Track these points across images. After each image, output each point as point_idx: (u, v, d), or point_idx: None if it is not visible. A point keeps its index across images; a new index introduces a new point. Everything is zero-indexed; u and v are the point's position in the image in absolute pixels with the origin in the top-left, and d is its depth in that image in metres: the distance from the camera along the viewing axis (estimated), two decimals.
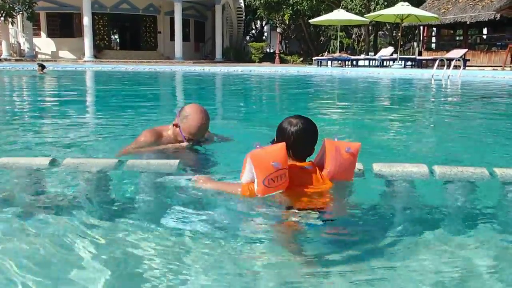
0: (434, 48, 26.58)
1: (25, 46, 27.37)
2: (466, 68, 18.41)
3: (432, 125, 5.46)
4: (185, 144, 2.68)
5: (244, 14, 32.21)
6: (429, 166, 2.11)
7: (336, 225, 1.94)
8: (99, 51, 27.09)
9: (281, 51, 31.95)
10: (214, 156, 2.85)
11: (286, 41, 37.21)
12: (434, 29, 26.96)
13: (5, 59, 24.60)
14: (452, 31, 27.38)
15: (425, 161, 2.28)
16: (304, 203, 1.88)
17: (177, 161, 2.17)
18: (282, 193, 1.89)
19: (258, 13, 30.99)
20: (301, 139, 1.89)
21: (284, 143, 1.86)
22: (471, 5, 22.91)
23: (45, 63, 15.30)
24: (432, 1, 25.61)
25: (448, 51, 21.20)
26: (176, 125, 2.66)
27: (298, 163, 1.92)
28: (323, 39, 32.94)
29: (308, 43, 32.71)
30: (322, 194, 1.93)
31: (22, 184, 2.06)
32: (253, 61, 29.63)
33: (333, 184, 1.98)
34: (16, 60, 24.62)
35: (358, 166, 2.13)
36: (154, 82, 14.10)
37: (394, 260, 1.66)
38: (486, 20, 21.67)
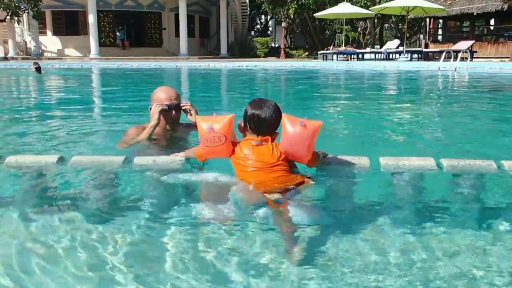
0: (440, 40, 26.38)
1: (31, 45, 27.50)
2: (473, 59, 18.26)
3: (439, 118, 5.43)
4: (154, 122, 2.71)
5: (248, 9, 32.11)
6: (436, 159, 2.10)
7: (341, 220, 1.94)
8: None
9: (286, 46, 31.83)
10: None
11: (291, 36, 37.07)
12: (441, 21, 26.74)
13: (12, 58, 24.74)
14: (458, 23, 27.14)
15: (432, 153, 2.26)
16: (243, 174, 2.06)
17: (183, 158, 2.18)
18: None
19: (262, 8, 30.89)
20: (254, 115, 2.09)
21: (232, 115, 2.12)
22: None
23: (52, 61, 15.10)
24: None
25: (454, 43, 21.04)
26: (150, 108, 2.81)
27: (250, 138, 2.11)
28: (328, 32, 32.78)
29: (313, 37, 32.56)
30: (265, 169, 2.04)
31: (31, 182, 2.07)
32: (258, 56, 29.57)
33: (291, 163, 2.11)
34: (23, 58, 24.74)
35: (363, 160, 2.12)
36: (159, 79, 14.12)
37: (402, 254, 1.65)
38: (493, 11, 21.46)
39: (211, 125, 2.08)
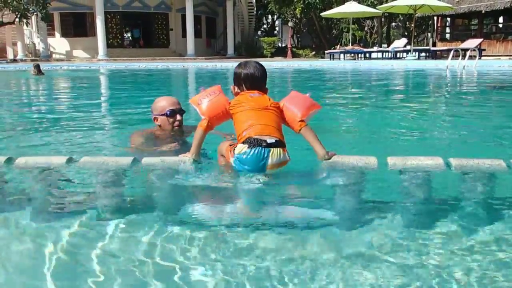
0: (448, 38, 26.19)
1: (40, 46, 27.73)
2: (482, 58, 18.11)
3: (448, 117, 5.39)
4: (174, 145, 2.83)
5: (255, 9, 32.15)
6: (445, 158, 2.09)
7: (348, 219, 1.94)
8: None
9: (293, 45, 31.80)
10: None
11: (298, 35, 37.01)
12: (448, 19, 26.55)
13: (21, 60, 24.96)
14: (466, 21, 26.93)
15: (441, 152, 2.25)
16: (240, 116, 2.24)
17: (190, 158, 2.19)
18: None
19: (269, 8, 30.90)
20: (248, 75, 2.31)
21: (218, 86, 2.38)
22: None
23: (60, 63, 14.90)
24: None
25: (463, 41, 20.88)
26: (155, 118, 3.02)
27: (249, 91, 2.32)
28: (335, 32, 32.69)
29: (320, 37, 32.48)
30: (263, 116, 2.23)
31: (41, 182, 2.09)
32: (265, 56, 29.56)
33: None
34: (32, 60, 24.95)
35: (371, 160, 2.12)
36: (167, 79, 14.17)
37: (410, 255, 1.65)
38: (502, 8, 21.27)
39: (201, 89, 2.39)
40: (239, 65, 2.37)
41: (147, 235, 1.78)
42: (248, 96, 2.28)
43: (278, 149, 2.12)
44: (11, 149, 3.43)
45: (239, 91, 2.35)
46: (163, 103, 3.00)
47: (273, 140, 2.11)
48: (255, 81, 2.32)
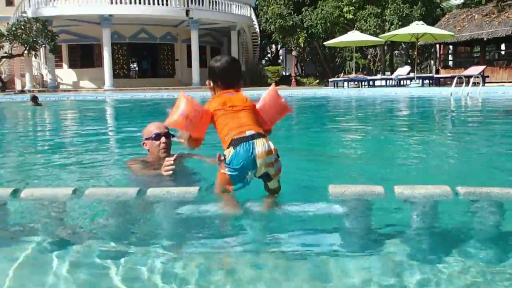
0: (451, 65, 26.40)
1: (47, 77, 28.18)
2: (486, 84, 18.19)
3: (453, 144, 5.38)
4: (170, 163, 2.84)
5: (259, 38, 32.67)
6: (452, 186, 2.07)
7: (355, 249, 1.91)
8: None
9: (297, 74, 32.15)
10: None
11: (302, 64, 37.46)
12: (451, 46, 26.84)
13: (29, 91, 25.32)
14: (469, 48, 27.20)
15: (447, 181, 2.23)
16: (221, 120, 2.29)
17: (197, 188, 2.18)
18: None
19: (273, 37, 31.41)
20: (223, 70, 2.35)
21: (183, 93, 2.41)
22: (487, 22, 22.81)
23: (67, 93, 14.94)
24: (447, 19, 25.59)
25: (466, 68, 21.03)
26: (144, 143, 3.13)
27: (225, 91, 2.36)
28: (338, 60, 33.07)
29: (323, 65, 32.85)
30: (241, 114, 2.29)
31: (46, 214, 2.08)
32: (270, 85, 29.77)
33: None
34: (39, 91, 25.30)
35: (377, 189, 2.10)
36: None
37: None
38: (504, 36, 21.50)
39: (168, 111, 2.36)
40: (215, 59, 2.42)
41: (151, 268, 1.76)
42: (225, 96, 2.34)
43: (260, 139, 2.20)
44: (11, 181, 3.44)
45: (214, 85, 2.41)
46: (151, 128, 3.12)
47: (252, 132, 2.20)
48: (230, 75, 2.38)
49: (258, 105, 2.42)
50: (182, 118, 2.27)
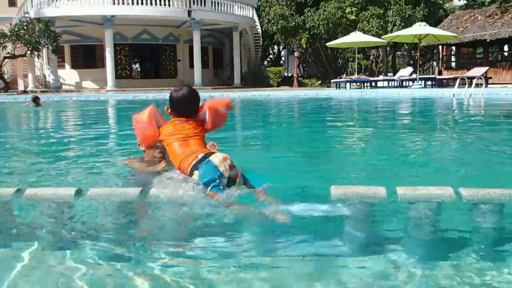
0: (454, 66, 26.35)
1: (50, 78, 28.23)
2: (489, 86, 18.15)
3: (456, 146, 5.37)
4: (160, 166, 2.96)
5: (261, 39, 32.66)
6: (455, 188, 2.07)
7: (356, 251, 1.91)
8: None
9: (299, 75, 32.12)
10: None
11: (304, 65, 37.42)
12: (454, 47, 26.79)
13: (31, 91, 25.39)
14: (472, 49, 27.15)
15: (449, 182, 2.23)
16: (170, 148, 2.55)
17: (201, 187, 2.19)
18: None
19: (275, 38, 31.37)
20: (181, 102, 2.56)
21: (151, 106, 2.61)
22: (491, 23, 22.76)
23: (70, 94, 14.93)
24: (450, 20, 25.55)
25: (468, 69, 20.98)
26: (139, 144, 3.19)
27: (177, 119, 2.57)
28: (340, 61, 33.04)
29: (325, 66, 32.83)
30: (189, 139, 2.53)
31: (49, 214, 2.09)
32: (272, 86, 29.83)
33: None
34: (42, 91, 25.38)
35: (379, 190, 2.10)
36: None
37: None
38: (507, 37, 21.45)
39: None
40: (175, 90, 2.61)
41: (154, 268, 1.76)
42: (177, 125, 2.56)
43: (212, 154, 2.44)
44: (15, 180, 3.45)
45: (172, 111, 2.62)
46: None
47: (203, 154, 2.44)
48: (186, 107, 2.59)
49: (207, 125, 2.67)
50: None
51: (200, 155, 2.43)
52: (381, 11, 25.38)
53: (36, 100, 13.14)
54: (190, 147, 2.49)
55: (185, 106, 2.59)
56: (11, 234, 2.11)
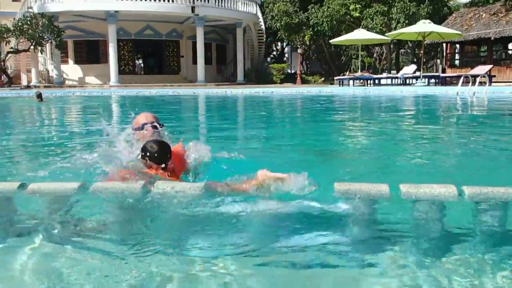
0: (458, 64, 26.25)
1: (53, 73, 28.28)
2: (492, 84, 18.09)
3: (459, 144, 5.36)
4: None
5: (265, 36, 32.62)
6: (458, 187, 2.06)
7: (359, 248, 1.91)
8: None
9: (302, 72, 32.09)
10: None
11: (307, 62, 37.36)
12: (457, 45, 26.68)
13: (34, 86, 25.44)
14: (476, 47, 27.04)
15: (453, 180, 2.23)
16: None
17: (203, 183, 2.19)
18: None
19: (278, 35, 31.32)
20: (153, 157, 2.52)
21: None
22: (495, 21, 22.65)
23: (73, 89, 15.33)
24: (455, 18, 25.44)
25: (472, 67, 20.91)
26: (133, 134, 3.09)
27: (153, 171, 2.55)
28: (344, 58, 32.97)
29: (329, 63, 32.76)
30: None
31: (52, 209, 2.10)
32: (275, 82, 29.81)
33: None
34: (45, 86, 25.43)
35: (382, 187, 2.10)
36: (177, 105, 14.31)
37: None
38: (511, 35, 21.35)
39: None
40: (151, 146, 2.55)
41: (159, 264, 1.77)
42: (148, 177, 2.52)
43: None
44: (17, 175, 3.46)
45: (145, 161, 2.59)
46: (140, 118, 3.03)
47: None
48: (158, 161, 2.55)
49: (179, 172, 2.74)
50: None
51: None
52: (385, 9, 25.29)
53: (40, 95, 13.61)
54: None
55: (157, 161, 2.53)
56: (14, 228, 2.12)
